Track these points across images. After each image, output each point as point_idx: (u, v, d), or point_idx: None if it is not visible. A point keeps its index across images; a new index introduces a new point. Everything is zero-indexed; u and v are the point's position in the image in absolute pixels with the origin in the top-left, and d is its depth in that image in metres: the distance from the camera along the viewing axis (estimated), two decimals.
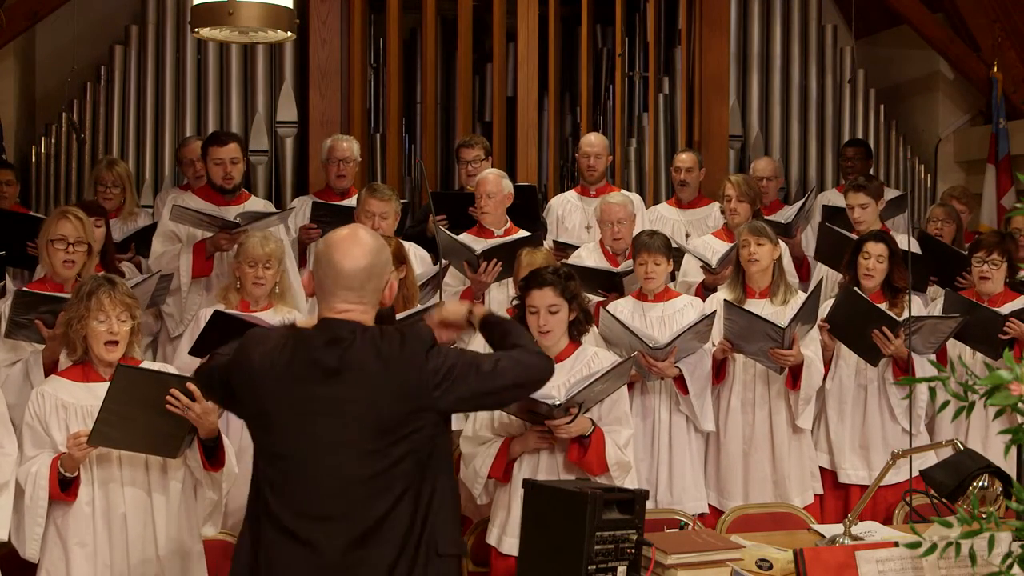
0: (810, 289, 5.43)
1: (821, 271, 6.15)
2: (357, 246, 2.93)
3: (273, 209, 6.08)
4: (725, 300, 5.13)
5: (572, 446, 4.12)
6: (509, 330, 3.15)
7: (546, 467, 4.17)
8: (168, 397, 3.61)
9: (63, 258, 4.65)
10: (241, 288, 4.94)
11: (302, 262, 6.08)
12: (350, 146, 6.42)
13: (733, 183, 6.15)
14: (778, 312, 5.16)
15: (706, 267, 5.81)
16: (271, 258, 4.90)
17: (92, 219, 5.24)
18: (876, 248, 5.30)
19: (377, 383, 2.83)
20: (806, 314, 5.03)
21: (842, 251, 5.62)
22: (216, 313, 4.68)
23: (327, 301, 2.92)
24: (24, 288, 4.54)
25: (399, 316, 4.56)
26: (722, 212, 6.28)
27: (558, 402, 3.98)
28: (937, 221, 6.53)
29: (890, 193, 7.44)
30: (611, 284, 5.61)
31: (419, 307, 4.74)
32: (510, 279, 5.45)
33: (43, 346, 4.46)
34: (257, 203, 6.00)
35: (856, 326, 5.17)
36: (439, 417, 2.92)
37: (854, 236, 5.74)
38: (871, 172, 7.69)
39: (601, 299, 5.59)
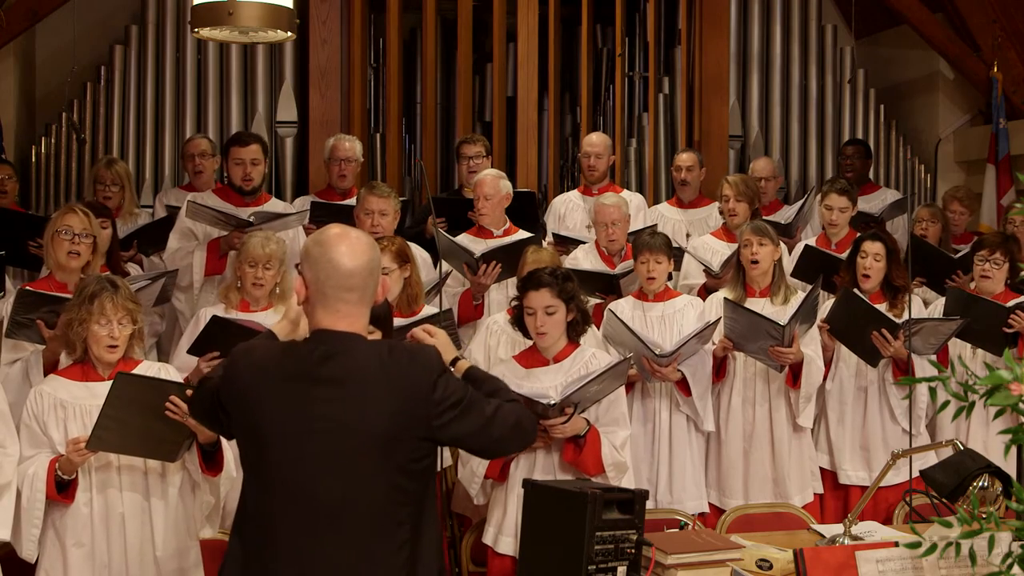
0: (809, 288, 5.43)
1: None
2: (355, 243, 2.78)
3: (292, 211, 6.06)
4: (726, 298, 5.13)
5: (567, 446, 4.12)
6: (497, 387, 3.05)
7: (542, 466, 4.16)
8: (167, 404, 3.61)
9: (68, 249, 4.63)
10: (242, 287, 4.94)
11: None
12: (352, 146, 6.43)
13: (730, 183, 6.16)
14: (778, 312, 5.16)
15: (708, 270, 5.81)
16: (271, 259, 4.90)
17: (98, 220, 5.25)
18: (873, 247, 5.30)
19: (378, 398, 2.72)
20: (805, 312, 5.03)
21: (823, 269, 5.59)
22: (214, 318, 4.68)
23: (327, 305, 2.77)
24: (26, 287, 4.53)
25: (404, 321, 4.57)
26: (720, 213, 6.28)
27: (553, 402, 3.98)
28: (923, 222, 6.54)
29: (890, 195, 7.47)
30: (609, 286, 5.61)
31: (425, 313, 4.73)
32: (511, 280, 5.45)
33: (43, 346, 4.46)
34: (277, 205, 6.01)
35: (855, 328, 5.17)
36: (434, 450, 2.83)
37: (841, 256, 5.70)
38: (871, 172, 7.71)
39: (599, 301, 5.59)
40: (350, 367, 2.74)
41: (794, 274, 5.96)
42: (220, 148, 6.48)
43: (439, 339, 3.26)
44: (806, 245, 6.04)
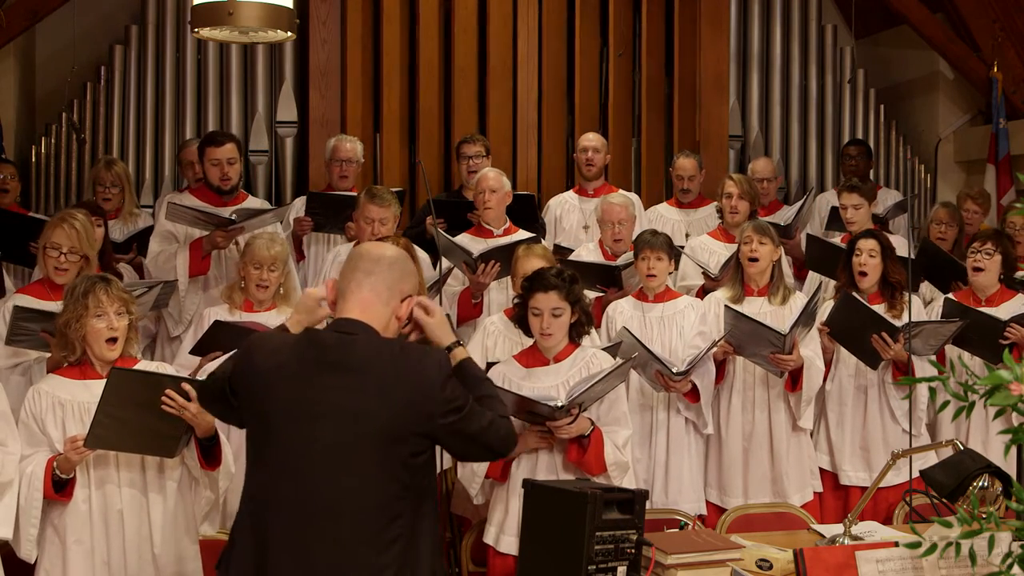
0: (810, 293, 5.44)
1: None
2: (388, 246, 3.01)
3: (270, 207, 6.08)
4: (727, 306, 5.12)
5: (571, 446, 4.11)
6: (486, 393, 3.03)
7: (545, 467, 4.16)
8: (164, 398, 3.60)
9: (54, 265, 4.67)
10: (245, 288, 4.95)
11: (298, 256, 6.08)
12: (354, 147, 6.45)
13: (735, 181, 6.16)
14: (776, 311, 5.17)
15: (706, 273, 5.81)
16: (276, 260, 4.92)
17: (92, 219, 5.23)
18: (867, 244, 5.31)
19: (386, 390, 2.78)
20: (806, 317, 5.03)
21: (832, 259, 5.60)
22: (216, 322, 4.68)
23: (345, 289, 2.89)
24: (21, 304, 4.49)
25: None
26: (718, 211, 6.28)
27: (560, 403, 3.97)
28: (941, 224, 6.51)
29: (891, 196, 7.47)
30: (611, 279, 5.62)
31: None
32: (509, 279, 5.46)
33: (46, 355, 4.43)
34: (254, 203, 6.01)
35: (855, 331, 5.17)
36: (432, 447, 2.88)
37: (841, 244, 5.74)
38: (871, 172, 7.71)
39: (600, 294, 5.60)
40: (361, 356, 2.81)
41: (808, 265, 6.00)
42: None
43: (436, 319, 3.07)
44: (808, 234, 6.08)
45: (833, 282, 5.73)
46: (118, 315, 3.76)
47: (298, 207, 6.31)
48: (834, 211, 6.73)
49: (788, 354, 4.97)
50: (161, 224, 5.77)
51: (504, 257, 5.44)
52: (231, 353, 3.13)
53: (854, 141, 7.77)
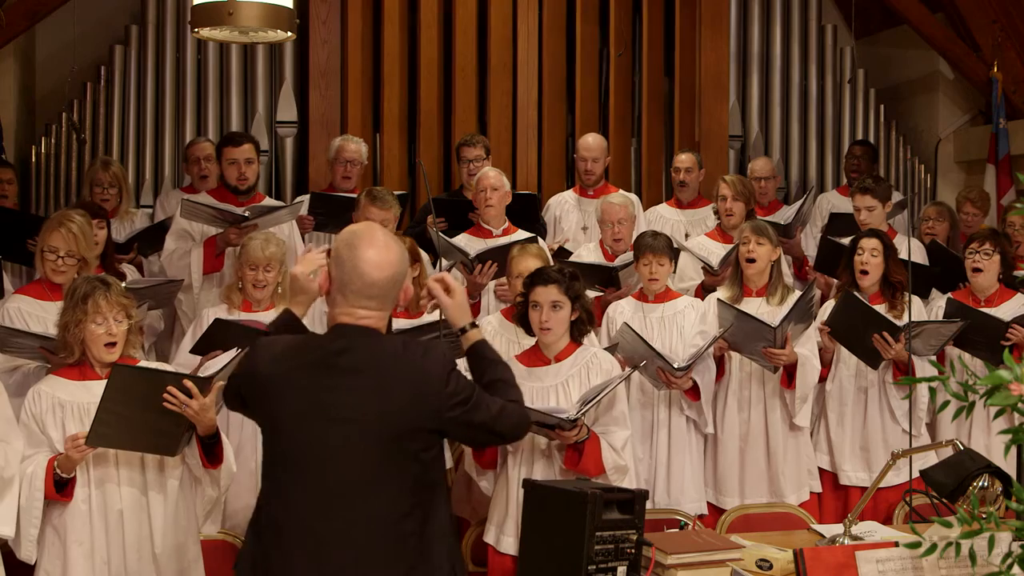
0: (805, 289, 5.44)
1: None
2: (384, 254, 2.86)
3: (285, 205, 6.09)
4: (719, 300, 5.14)
5: (568, 453, 4.10)
6: (499, 377, 3.06)
7: (541, 469, 4.15)
8: (165, 395, 3.60)
9: (51, 268, 4.67)
10: (243, 288, 4.96)
11: None
12: (358, 148, 6.47)
13: (728, 183, 6.16)
14: (774, 311, 5.17)
15: (707, 268, 5.81)
16: (272, 261, 4.91)
17: (94, 221, 5.23)
18: (869, 243, 5.31)
19: (391, 389, 2.80)
20: (799, 314, 5.03)
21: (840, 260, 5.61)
22: (217, 320, 4.68)
23: (345, 305, 2.88)
24: (7, 325, 4.49)
25: (407, 323, 4.57)
26: (715, 212, 6.28)
27: (574, 417, 3.96)
28: (929, 220, 6.55)
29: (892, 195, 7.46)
30: (608, 279, 5.62)
31: (426, 318, 4.73)
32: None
33: (42, 363, 4.42)
34: (271, 204, 6.02)
35: (856, 330, 5.16)
36: (440, 441, 2.92)
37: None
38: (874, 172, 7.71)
39: (599, 294, 5.60)
40: (366, 359, 2.83)
41: (816, 267, 6.00)
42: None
43: (456, 299, 3.16)
44: (822, 236, 6.07)
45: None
46: (117, 321, 3.76)
47: (305, 205, 6.31)
48: (833, 216, 6.72)
49: (780, 348, 4.97)
50: (177, 222, 5.78)
51: (501, 257, 5.45)
52: (238, 354, 3.15)
53: (860, 142, 7.75)
